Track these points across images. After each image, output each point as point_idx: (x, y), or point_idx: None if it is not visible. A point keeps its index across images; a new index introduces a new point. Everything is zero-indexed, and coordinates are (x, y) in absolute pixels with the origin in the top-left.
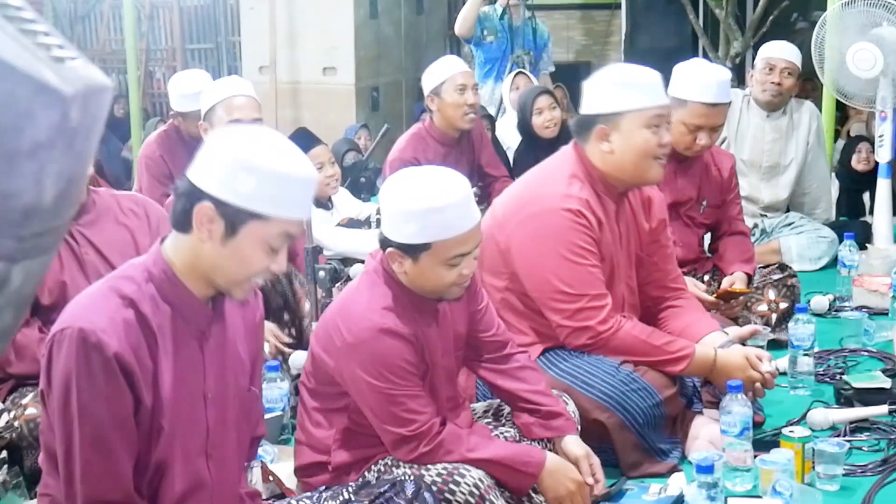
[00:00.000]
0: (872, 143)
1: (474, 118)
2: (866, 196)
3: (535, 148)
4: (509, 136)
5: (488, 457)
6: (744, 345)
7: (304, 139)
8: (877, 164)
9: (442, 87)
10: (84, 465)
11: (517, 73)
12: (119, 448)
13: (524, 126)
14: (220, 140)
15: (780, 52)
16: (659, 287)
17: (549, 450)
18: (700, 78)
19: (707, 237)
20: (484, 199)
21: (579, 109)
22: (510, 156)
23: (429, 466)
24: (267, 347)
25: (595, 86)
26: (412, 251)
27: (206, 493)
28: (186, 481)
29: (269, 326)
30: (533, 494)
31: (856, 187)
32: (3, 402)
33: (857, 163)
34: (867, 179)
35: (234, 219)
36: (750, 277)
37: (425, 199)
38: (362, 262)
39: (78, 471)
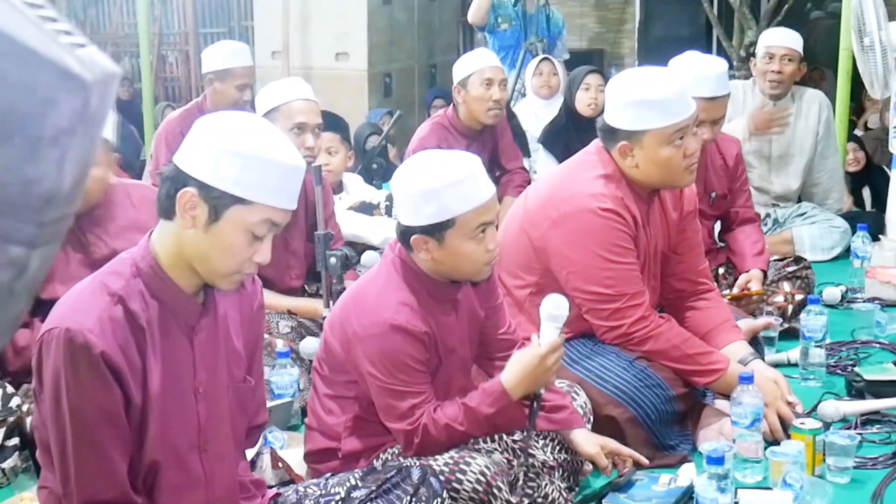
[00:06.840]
0: (859, 142)
1: (499, 114)
2: (866, 191)
3: (570, 126)
4: (528, 121)
5: (463, 410)
6: (755, 339)
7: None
8: (868, 161)
9: (469, 80)
10: (78, 464)
11: (542, 59)
12: (112, 447)
13: (567, 100)
14: (207, 125)
15: (778, 39)
16: (682, 280)
17: (561, 443)
18: (696, 72)
19: (717, 226)
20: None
21: (603, 113)
22: (533, 137)
23: (436, 457)
24: None
25: (615, 97)
26: (436, 231)
27: (201, 488)
28: (180, 477)
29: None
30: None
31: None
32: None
33: (847, 165)
34: (860, 177)
35: (217, 203)
36: (764, 273)
37: (441, 176)
38: (373, 248)
39: (73, 470)
